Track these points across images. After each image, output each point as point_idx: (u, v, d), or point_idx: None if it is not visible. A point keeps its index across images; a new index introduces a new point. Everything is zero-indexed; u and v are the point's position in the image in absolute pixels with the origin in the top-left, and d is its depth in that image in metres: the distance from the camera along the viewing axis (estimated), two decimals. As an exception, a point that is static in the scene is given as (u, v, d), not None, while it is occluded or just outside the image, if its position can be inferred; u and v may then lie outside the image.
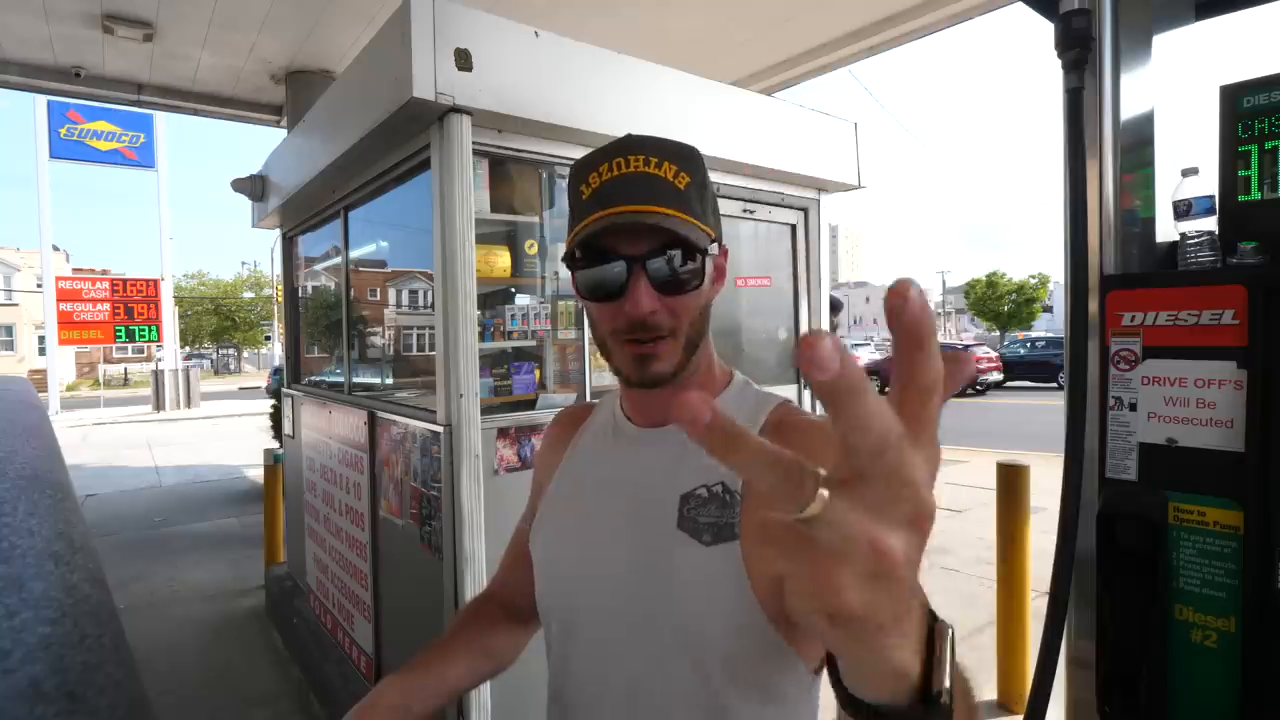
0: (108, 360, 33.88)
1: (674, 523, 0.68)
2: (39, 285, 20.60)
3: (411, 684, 0.74)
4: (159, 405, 18.11)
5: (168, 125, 18.38)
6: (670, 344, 0.68)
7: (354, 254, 2.96)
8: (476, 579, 1.95)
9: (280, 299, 3.91)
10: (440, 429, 1.96)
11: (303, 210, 3.32)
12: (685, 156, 0.69)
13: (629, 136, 0.71)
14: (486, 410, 2.03)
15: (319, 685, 2.85)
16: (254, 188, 3.45)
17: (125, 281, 17.65)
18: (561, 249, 2.43)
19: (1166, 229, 1.34)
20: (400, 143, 2.16)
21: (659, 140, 0.70)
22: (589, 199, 0.69)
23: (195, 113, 5.71)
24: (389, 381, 2.89)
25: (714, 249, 0.71)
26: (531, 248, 2.39)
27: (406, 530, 2.20)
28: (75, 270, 31.31)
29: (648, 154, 0.67)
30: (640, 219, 0.64)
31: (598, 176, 0.68)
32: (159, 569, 4.74)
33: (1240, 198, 1.15)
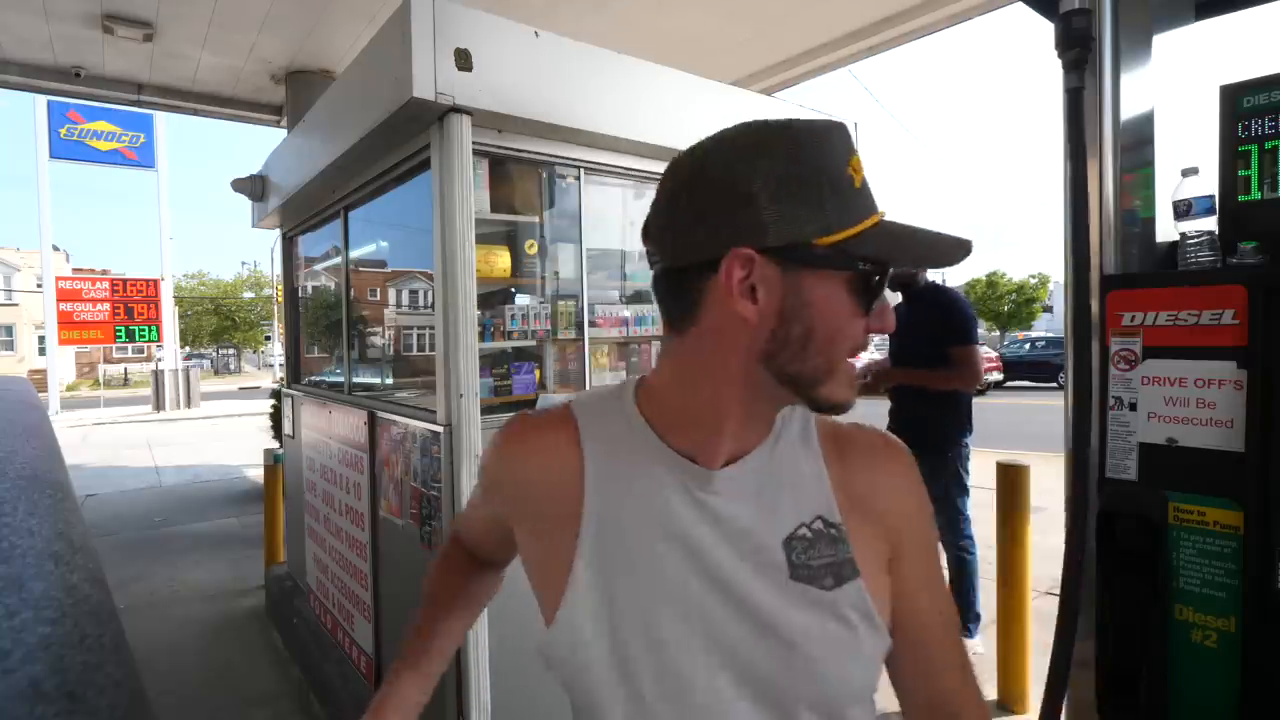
0: (108, 360, 33.86)
1: (785, 573, 0.60)
2: (39, 285, 20.59)
3: (408, 682, 0.77)
4: (159, 405, 18.10)
5: (168, 125, 18.38)
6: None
7: (354, 254, 2.96)
8: (476, 579, 1.95)
9: (280, 299, 3.91)
10: (440, 429, 1.96)
11: (303, 210, 3.32)
12: None
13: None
14: (486, 410, 2.03)
15: (319, 685, 2.85)
16: (254, 188, 3.45)
17: (125, 281, 17.64)
18: (563, 250, 2.45)
19: (1166, 229, 1.34)
20: (400, 143, 2.16)
21: None
22: (862, 188, 0.58)
23: (195, 113, 5.71)
24: (389, 381, 2.89)
25: None
26: (531, 248, 2.39)
27: (406, 530, 2.20)
28: (75, 270, 31.32)
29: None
30: (966, 250, 0.60)
31: (859, 164, 0.59)
32: (159, 569, 4.74)
33: (1240, 197, 1.15)
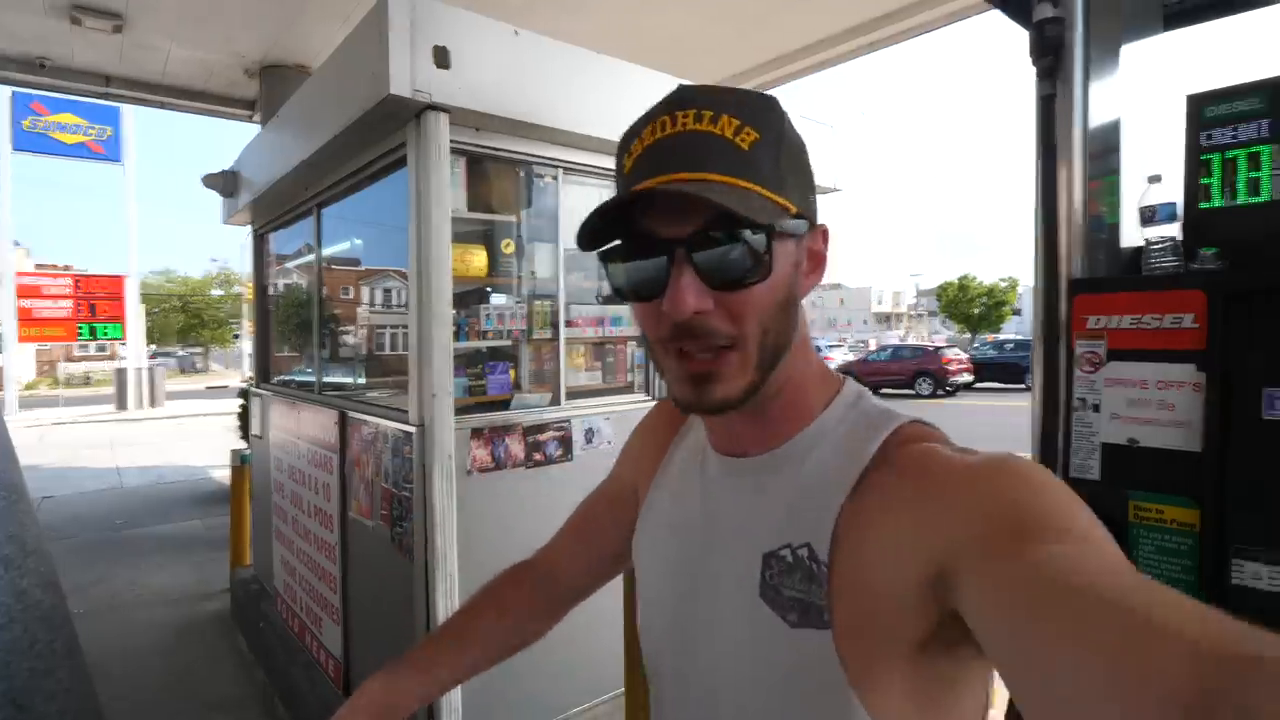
0: (69, 358, 32.89)
1: (756, 588, 0.55)
2: (-3, 280, 19.89)
3: (399, 682, 0.69)
4: (122, 404, 17.61)
5: (136, 119, 17.88)
6: (735, 357, 0.52)
7: (327, 251, 2.91)
8: (449, 580, 1.93)
9: (250, 296, 3.84)
10: (413, 429, 1.93)
11: (275, 207, 3.26)
12: (753, 108, 0.52)
13: (681, 88, 0.54)
14: (460, 410, 2.00)
15: (286, 690, 2.79)
16: (225, 184, 3.38)
17: (89, 278, 17.15)
18: (540, 249, 2.43)
19: (1132, 234, 1.37)
20: (376, 140, 2.13)
21: (719, 91, 0.53)
22: (629, 173, 0.53)
23: (164, 106, 5.58)
24: (361, 381, 2.85)
25: (798, 226, 0.54)
26: (508, 247, 2.37)
27: (377, 532, 2.17)
28: (37, 266, 30.36)
29: (700, 107, 0.51)
30: (677, 188, 0.49)
31: (640, 143, 0.53)
32: (120, 572, 4.61)
33: (1202, 204, 1.18)
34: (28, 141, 15.77)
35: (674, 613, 0.62)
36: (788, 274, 0.54)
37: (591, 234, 0.53)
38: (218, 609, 3.94)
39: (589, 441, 2.30)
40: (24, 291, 15.99)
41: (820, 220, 0.58)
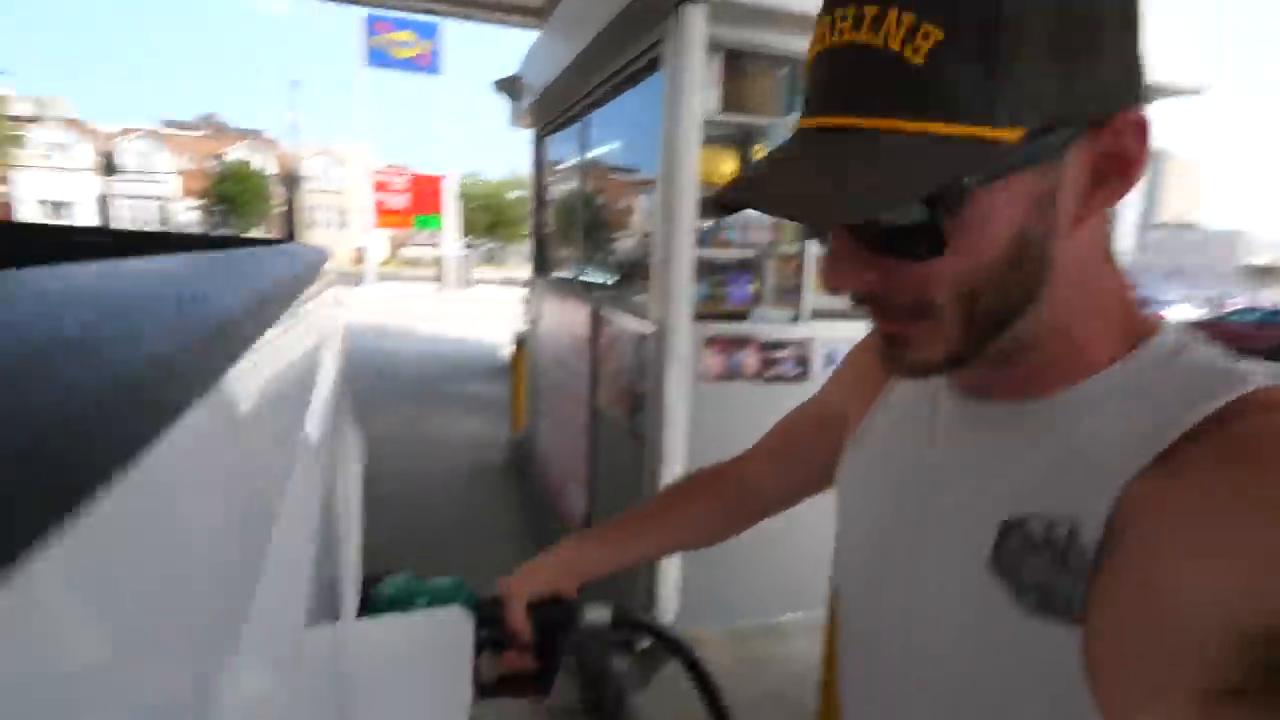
0: (404, 244, 40.49)
1: (985, 559, 0.44)
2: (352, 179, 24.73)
3: (588, 550, 0.77)
4: (441, 285, 21.36)
5: (452, 33, 20.43)
6: (927, 325, 0.41)
7: (593, 154, 3.09)
8: (673, 472, 2.05)
9: (531, 197, 4.28)
10: (650, 330, 2.03)
11: (550, 110, 3.52)
12: None
13: None
14: (698, 317, 2.05)
15: (543, 537, 3.30)
16: (512, 88, 3.72)
17: (419, 177, 20.73)
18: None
19: None
20: (635, 37, 2.14)
21: None
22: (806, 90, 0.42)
23: (468, 17, 6.27)
24: (613, 281, 3.05)
25: (1038, 150, 0.37)
26: (760, 153, 2.28)
27: (618, 419, 2.38)
28: (386, 166, 37.37)
29: (862, 2, 0.36)
30: (822, 148, 0.39)
31: (811, 54, 0.41)
32: (434, 417, 5.77)
33: None
34: (375, 57, 18.98)
35: (876, 560, 0.55)
36: (1012, 221, 0.38)
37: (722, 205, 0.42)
38: (502, 460, 4.72)
39: (828, 364, 2.21)
40: (377, 186, 19.91)
41: (1131, 103, 0.38)
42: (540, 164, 4.12)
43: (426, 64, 19.67)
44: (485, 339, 10.59)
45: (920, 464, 0.52)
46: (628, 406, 2.27)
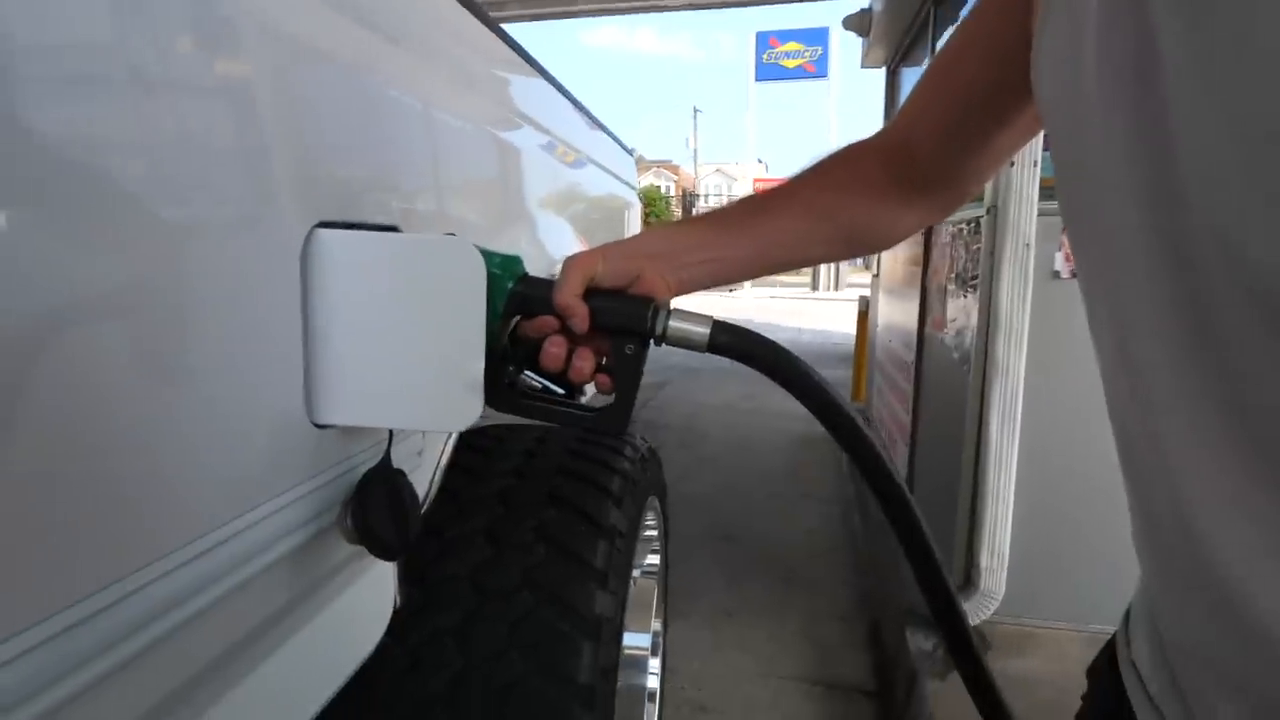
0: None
1: None
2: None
3: (679, 241, 0.58)
4: (815, 286, 21.46)
5: (839, 37, 20.45)
6: None
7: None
8: (1008, 397, 1.61)
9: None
10: (983, 212, 1.63)
11: (895, 30, 3.16)
12: None
13: None
14: (1048, 195, 1.57)
15: (861, 501, 2.99)
16: (861, 22, 3.48)
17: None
18: None
19: None
20: None
21: None
22: None
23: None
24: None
25: None
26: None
27: (946, 343, 1.99)
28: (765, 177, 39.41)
29: None
30: None
31: None
32: (773, 393, 5.78)
33: None
34: (765, 71, 20.03)
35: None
36: None
37: None
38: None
39: None
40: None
41: None
42: (893, 107, 3.76)
43: (812, 70, 20.06)
44: (847, 330, 10.32)
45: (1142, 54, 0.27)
46: (955, 320, 1.88)
